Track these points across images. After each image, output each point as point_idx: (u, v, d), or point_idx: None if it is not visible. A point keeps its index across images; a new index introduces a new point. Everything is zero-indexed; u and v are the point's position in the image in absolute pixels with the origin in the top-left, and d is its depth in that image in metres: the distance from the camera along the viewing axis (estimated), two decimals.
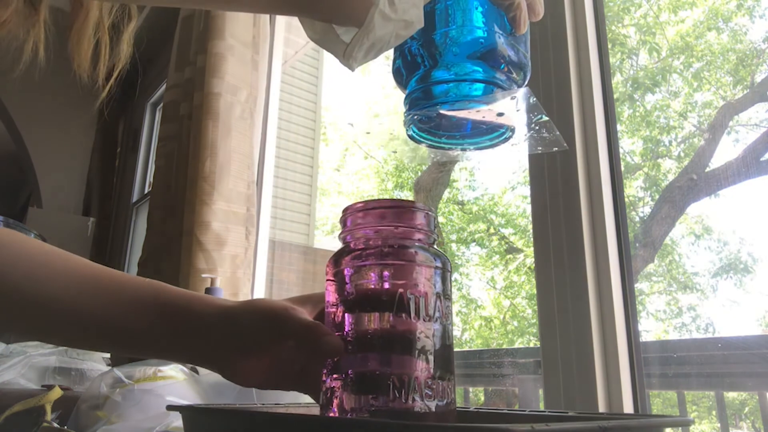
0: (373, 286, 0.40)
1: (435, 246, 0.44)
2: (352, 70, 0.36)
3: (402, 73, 0.43)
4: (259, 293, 1.67)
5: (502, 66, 0.40)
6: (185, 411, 0.43)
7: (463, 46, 0.39)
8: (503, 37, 0.40)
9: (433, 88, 0.40)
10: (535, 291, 0.90)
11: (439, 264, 0.41)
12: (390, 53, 0.42)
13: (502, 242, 3.43)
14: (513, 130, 0.41)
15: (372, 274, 0.40)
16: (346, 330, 0.40)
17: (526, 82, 0.41)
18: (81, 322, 0.44)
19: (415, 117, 0.41)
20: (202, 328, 0.43)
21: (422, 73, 0.41)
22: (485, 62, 0.40)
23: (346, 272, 0.41)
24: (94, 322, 0.44)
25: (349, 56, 0.34)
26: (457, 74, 0.40)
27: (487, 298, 3.44)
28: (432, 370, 0.38)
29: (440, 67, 0.40)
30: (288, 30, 2.02)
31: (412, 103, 0.41)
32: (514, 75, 0.41)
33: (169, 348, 0.45)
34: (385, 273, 0.40)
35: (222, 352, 0.43)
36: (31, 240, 0.46)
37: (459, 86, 0.40)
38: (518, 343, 3.26)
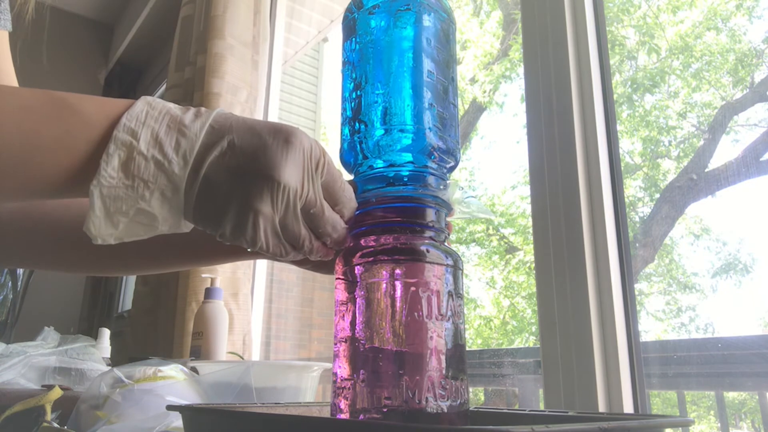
0: (384, 285, 0.39)
1: (446, 243, 0.43)
2: None
3: (346, 161, 0.46)
4: (259, 293, 1.67)
5: (433, 156, 0.44)
6: (185, 411, 0.43)
7: (398, 144, 0.43)
8: (433, 131, 0.43)
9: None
10: (535, 291, 0.90)
11: (450, 262, 0.41)
12: None
13: (502, 242, 3.43)
14: (449, 207, 0.45)
15: (383, 272, 0.40)
16: (357, 329, 0.39)
17: (458, 164, 0.47)
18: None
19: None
20: None
21: (361, 162, 0.45)
22: (419, 154, 0.43)
23: (356, 270, 0.41)
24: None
25: None
26: (393, 164, 0.43)
27: (486, 297, 3.44)
28: (444, 370, 0.38)
29: (376, 158, 0.44)
30: (288, 30, 2.02)
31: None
32: (447, 161, 0.45)
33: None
34: (397, 271, 0.39)
35: None
36: None
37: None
38: (518, 343, 3.26)
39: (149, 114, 0.37)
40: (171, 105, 0.38)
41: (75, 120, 0.36)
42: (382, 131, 0.43)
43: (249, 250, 0.39)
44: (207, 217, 0.37)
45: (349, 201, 0.42)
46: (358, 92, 0.45)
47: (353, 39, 0.46)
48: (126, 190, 0.35)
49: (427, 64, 0.44)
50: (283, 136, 0.37)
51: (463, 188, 0.47)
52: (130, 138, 0.36)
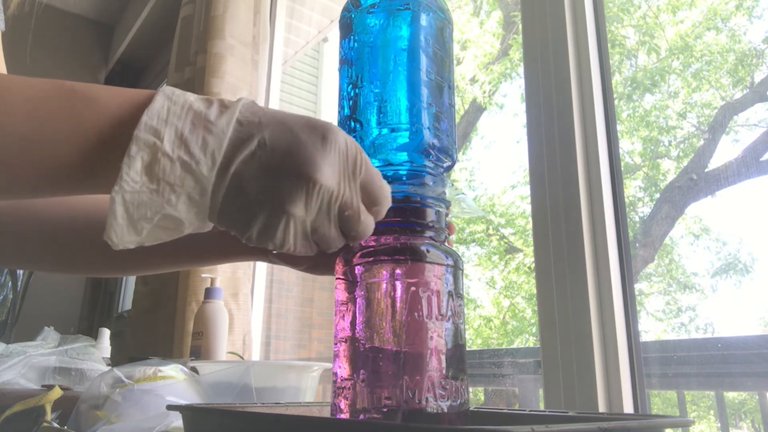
0: (384, 285, 0.39)
1: (446, 243, 0.43)
2: None
3: None
4: (259, 293, 1.67)
5: (430, 155, 0.44)
6: (185, 411, 0.43)
7: (394, 143, 0.43)
8: (430, 130, 0.43)
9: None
10: (534, 291, 0.90)
11: (450, 262, 0.41)
12: None
13: (502, 242, 3.43)
14: (448, 205, 0.45)
15: (384, 272, 0.40)
16: (357, 329, 0.39)
17: (455, 162, 0.46)
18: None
19: None
20: None
21: None
22: (415, 154, 0.43)
23: (356, 270, 0.41)
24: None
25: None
26: (389, 163, 0.43)
27: (486, 297, 3.44)
28: (445, 370, 0.38)
29: (373, 157, 0.44)
30: (288, 30, 2.02)
31: None
32: (444, 161, 0.45)
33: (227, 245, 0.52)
34: (397, 271, 0.39)
35: None
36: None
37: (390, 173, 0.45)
38: (518, 343, 3.26)
39: (171, 110, 0.34)
40: (192, 98, 0.35)
41: (87, 111, 0.34)
42: (378, 130, 0.43)
43: (274, 251, 0.37)
44: (234, 218, 0.35)
45: (387, 200, 0.40)
46: (356, 91, 0.45)
47: (351, 38, 0.46)
48: (151, 195, 0.33)
49: (425, 64, 0.44)
50: (319, 133, 0.35)
51: (453, 185, 0.47)
52: (153, 138, 0.33)
